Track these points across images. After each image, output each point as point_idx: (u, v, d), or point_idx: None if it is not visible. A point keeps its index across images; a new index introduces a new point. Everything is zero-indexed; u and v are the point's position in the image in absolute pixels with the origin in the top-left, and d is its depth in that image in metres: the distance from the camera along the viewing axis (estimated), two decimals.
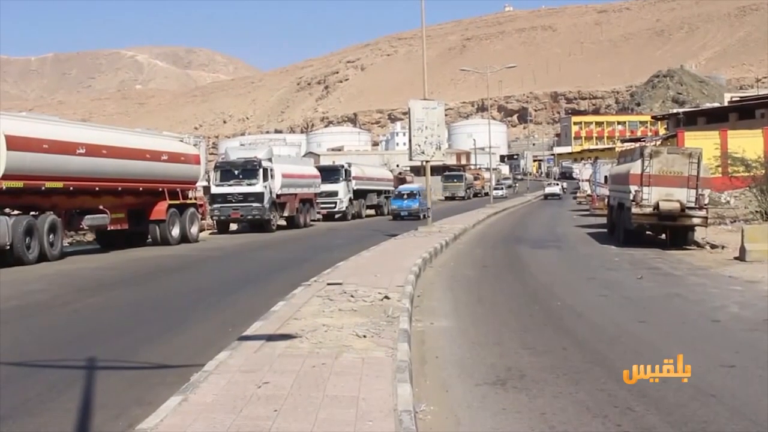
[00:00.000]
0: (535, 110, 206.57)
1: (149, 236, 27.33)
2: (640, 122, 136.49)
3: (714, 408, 7.21)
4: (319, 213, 41.97)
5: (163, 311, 12.91)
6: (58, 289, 15.91)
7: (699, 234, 24.93)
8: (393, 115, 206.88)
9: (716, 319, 11.86)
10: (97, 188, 23.85)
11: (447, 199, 76.84)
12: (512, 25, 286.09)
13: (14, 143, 19.92)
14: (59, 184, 21.86)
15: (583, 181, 67.09)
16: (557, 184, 78.52)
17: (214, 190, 34.34)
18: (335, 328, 9.66)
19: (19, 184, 20.31)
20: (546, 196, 73.10)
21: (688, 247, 23.84)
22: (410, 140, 32.04)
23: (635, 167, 24.20)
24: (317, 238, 30.91)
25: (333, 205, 44.45)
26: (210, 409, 6.37)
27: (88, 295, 15.01)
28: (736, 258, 19.88)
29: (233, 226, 35.73)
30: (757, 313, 12.46)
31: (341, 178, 45.02)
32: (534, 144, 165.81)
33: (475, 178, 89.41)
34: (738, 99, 76.05)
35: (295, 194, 37.22)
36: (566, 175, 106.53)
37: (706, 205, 24.03)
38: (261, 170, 33.67)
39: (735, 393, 7.71)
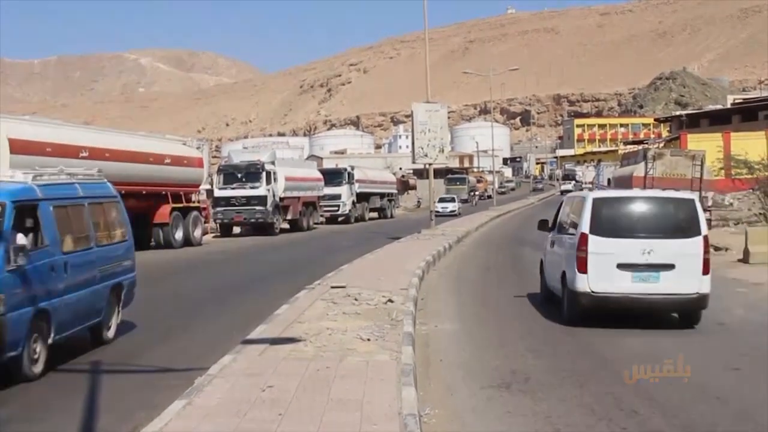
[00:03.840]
0: (538, 113, 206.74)
1: (152, 240, 27.31)
2: (643, 124, 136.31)
3: (719, 411, 7.20)
4: (322, 216, 41.95)
5: (167, 315, 12.90)
6: None
7: None
8: (396, 118, 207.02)
9: (721, 321, 11.83)
10: None
11: None
12: (515, 28, 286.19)
13: (17, 146, 19.90)
14: None
15: (586, 183, 67.22)
16: (570, 183, 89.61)
17: (217, 193, 34.33)
18: (339, 332, 9.65)
19: None
20: (562, 192, 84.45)
21: None
22: (413, 143, 32.06)
23: (638, 170, 24.24)
24: (320, 241, 30.91)
25: (336, 208, 44.43)
26: (214, 412, 6.36)
27: None
28: (740, 260, 19.84)
29: (236, 229, 35.73)
30: (762, 315, 12.45)
31: (344, 181, 44.99)
32: (537, 146, 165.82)
33: (478, 181, 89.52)
34: (741, 101, 75.95)
35: (298, 197, 37.21)
36: (569, 178, 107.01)
37: (709, 207, 24.03)
38: (264, 173, 33.66)
39: (740, 396, 7.70)
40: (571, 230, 11.90)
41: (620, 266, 10.88)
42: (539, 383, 8.07)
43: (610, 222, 11.24)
